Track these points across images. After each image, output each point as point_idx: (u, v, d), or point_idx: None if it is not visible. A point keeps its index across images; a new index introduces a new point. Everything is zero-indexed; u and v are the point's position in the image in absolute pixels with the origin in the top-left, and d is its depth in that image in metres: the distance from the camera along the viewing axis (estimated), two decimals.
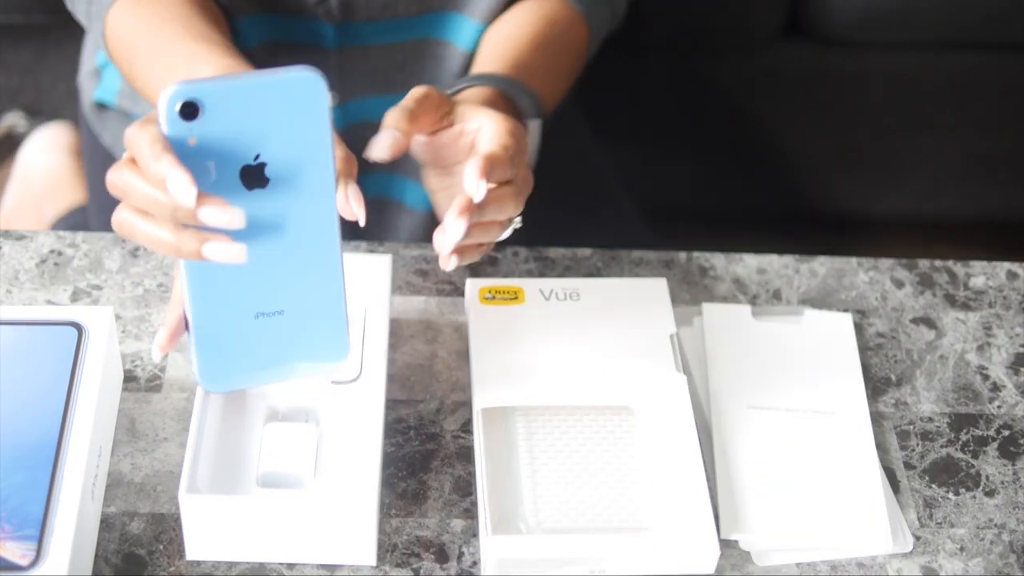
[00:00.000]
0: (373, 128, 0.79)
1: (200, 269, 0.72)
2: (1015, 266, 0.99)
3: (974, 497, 0.85)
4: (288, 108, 0.69)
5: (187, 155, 0.69)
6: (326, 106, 0.69)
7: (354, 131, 1.11)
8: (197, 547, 0.77)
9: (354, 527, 0.76)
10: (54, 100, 1.69)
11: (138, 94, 0.97)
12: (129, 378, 0.87)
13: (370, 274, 0.87)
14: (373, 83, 1.08)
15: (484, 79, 0.91)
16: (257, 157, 0.70)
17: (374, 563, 0.78)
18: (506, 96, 0.90)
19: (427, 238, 0.95)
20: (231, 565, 0.78)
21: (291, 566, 0.78)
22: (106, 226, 1.19)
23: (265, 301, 0.74)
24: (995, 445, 0.88)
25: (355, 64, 1.07)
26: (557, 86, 0.98)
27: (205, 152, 0.69)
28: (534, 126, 0.92)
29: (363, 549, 0.77)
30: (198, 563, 0.78)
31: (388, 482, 0.82)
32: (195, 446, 0.77)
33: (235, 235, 0.70)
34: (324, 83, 0.69)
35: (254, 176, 0.70)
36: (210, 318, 0.73)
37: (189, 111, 0.68)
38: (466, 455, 0.84)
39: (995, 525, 0.83)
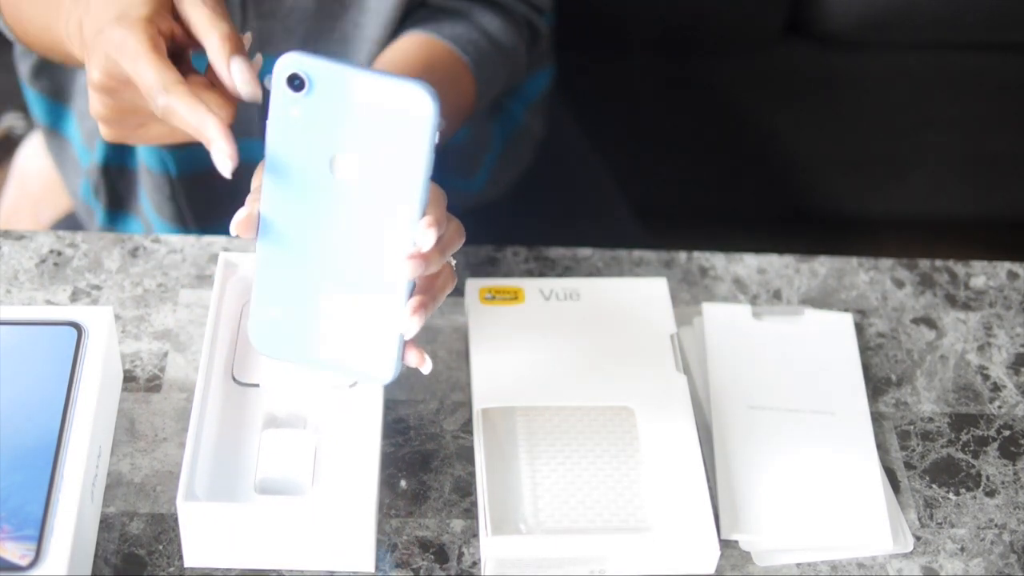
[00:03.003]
0: None
1: (273, 233, 0.72)
2: (1016, 266, 0.99)
3: (974, 497, 0.85)
4: (394, 116, 0.69)
5: (286, 124, 0.69)
6: (431, 128, 0.69)
7: None
8: (196, 554, 0.77)
9: (352, 534, 0.76)
10: None
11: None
12: (129, 378, 0.87)
13: None
14: None
15: None
16: (351, 149, 0.70)
17: (372, 570, 0.78)
18: None
19: None
20: (229, 567, 0.77)
21: (289, 572, 0.77)
22: (98, 227, 1.20)
23: (326, 288, 0.73)
24: (995, 445, 0.88)
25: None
26: None
27: (303, 127, 0.70)
28: None
29: (361, 556, 0.77)
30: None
31: (388, 482, 0.82)
32: (192, 452, 0.76)
33: (309, 212, 0.70)
34: (436, 105, 0.69)
35: (344, 166, 0.70)
36: (272, 283, 0.73)
37: (297, 83, 0.69)
38: (466, 455, 0.84)
39: (996, 525, 0.83)
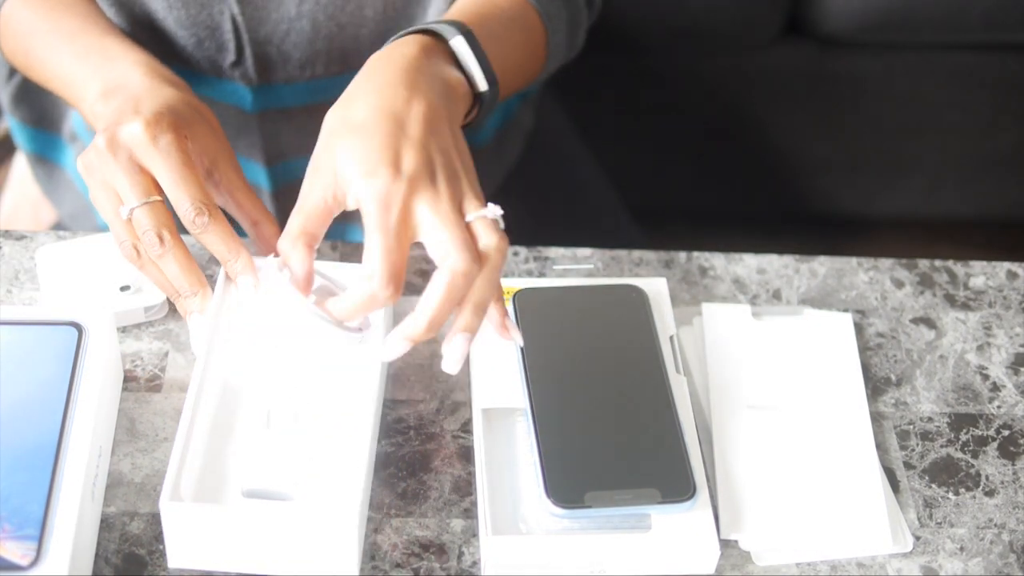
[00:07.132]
0: None
1: None
2: (1015, 266, 0.99)
3: (974, 497, 0.85)
4: None
5: None
6: None
7: (285, 193, 1.10)
8: (179, 555, 0.76)
9: (336, 539, 0.75)
10: None
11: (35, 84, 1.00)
12: (129, 378, 0.87)
13: None
14: (300, 145, 1.07)
15: (405, 33, 0.86)
16: None
17: (356, 573, 0.77)
18: (430, 33, 0.85)
19: None
20: (212, 570, 0.77)
21: None
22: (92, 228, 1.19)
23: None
24: (995, 445, 0.88)
25: (279, 127, 1.06)
26: (505, 50, 0.92)
27: None
28: (461, 45, 0.86)
29: (345, 561, 0.76)
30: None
31: (388, 482, 0.82)
32: (181, 452, 0.76)
33: None
34: None
35: None
36: None
37: None
38: (466, 455, 0.84)
39: (995, 525, 0.83)
